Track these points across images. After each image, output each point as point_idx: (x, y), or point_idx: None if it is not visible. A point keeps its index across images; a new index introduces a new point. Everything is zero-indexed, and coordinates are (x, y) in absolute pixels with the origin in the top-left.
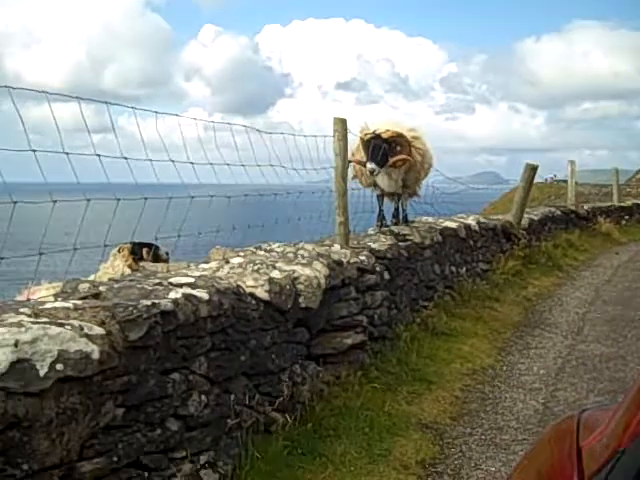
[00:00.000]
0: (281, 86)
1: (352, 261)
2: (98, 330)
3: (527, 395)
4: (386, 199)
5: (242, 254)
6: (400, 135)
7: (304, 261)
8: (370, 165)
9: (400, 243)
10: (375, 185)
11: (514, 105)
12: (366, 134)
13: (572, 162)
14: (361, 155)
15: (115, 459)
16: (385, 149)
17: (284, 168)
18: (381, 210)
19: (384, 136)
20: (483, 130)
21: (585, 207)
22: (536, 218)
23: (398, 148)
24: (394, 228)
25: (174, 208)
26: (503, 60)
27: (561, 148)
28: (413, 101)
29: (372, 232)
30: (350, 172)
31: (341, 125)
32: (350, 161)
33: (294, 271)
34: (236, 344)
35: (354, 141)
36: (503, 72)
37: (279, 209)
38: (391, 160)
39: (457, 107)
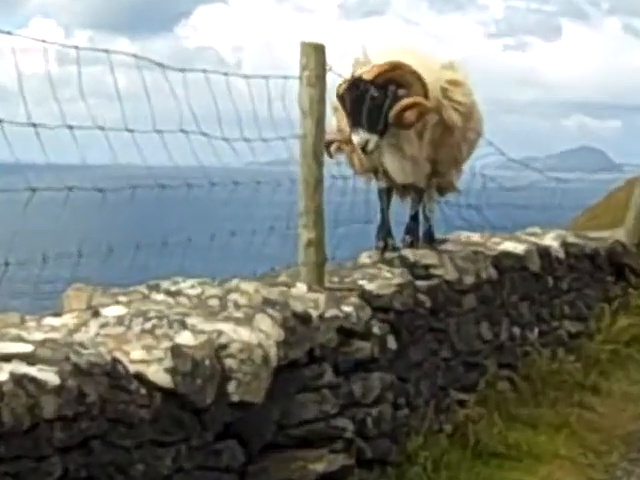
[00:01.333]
0: None
1: (329, 315)
2: None
3: None
4: (395, 196)
5: (124, 299)
6: (397, 67)
7: (239, 314)
8: (358, 136)
9: (419, 282)
10: (377, 172)
11: (631, 23)
12: (341, 84)
13: None
14: (345, 123)
15: None
16: (378, 100)
17: (205, 136)
18: (385, 219)
19: (367, 77)
20: (575, 70)
21: None
22: None
23: (400, 92)
24: (408, 253)
25: None
26: None
27: None
28: (448, 13)
29: (368, 260)
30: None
31: (315, 56)
32: (330, 142)
33: (220, 333)
34: (108, 471)
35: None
36: None
37: (196, 213)
38: (392, 112)
39: (527, 25)
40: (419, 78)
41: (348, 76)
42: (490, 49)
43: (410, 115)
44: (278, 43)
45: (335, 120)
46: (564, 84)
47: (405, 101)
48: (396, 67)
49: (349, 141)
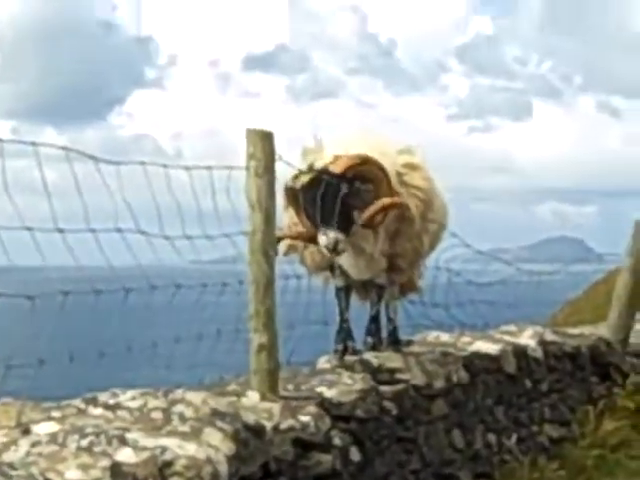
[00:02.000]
0: (137, 63)
1: (284, 426)
2: None
3: None
4: (355, 296)
5: (57, 414)
6: (366, 161)
7: (185, 428)
8: (325, 237)
9: (383, 388)
10: (332, 269)
11: (606, 101)
12: (297, 175)
13: None
14: (292, 218)
15: None
16: (343, 196)
17: (143, 235)
18: (345, 320)
19: (336, 170)
20: (547, 152)
21: None
22: None
23: (367, 188)
24: (371, 356)
25: None
26: (580, 2)
27: None
28: (406, 94)
29: (326, 365)
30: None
31: (262, 145)
32: (280, 238)
33: (164, 449)
34: None
35: (286, 178)
36: (581, 29)
37: (136, 318)
38: (365, 214)
39: (493, 105)
40: (386, 173)
41: (301, 166)
42: (454, 132)
43: (379, 216)
44: (221, 130)
45: (286, 216)
46: (536, 168)
47: (382, 202)
48: (365, 161)
49: (303, 238)
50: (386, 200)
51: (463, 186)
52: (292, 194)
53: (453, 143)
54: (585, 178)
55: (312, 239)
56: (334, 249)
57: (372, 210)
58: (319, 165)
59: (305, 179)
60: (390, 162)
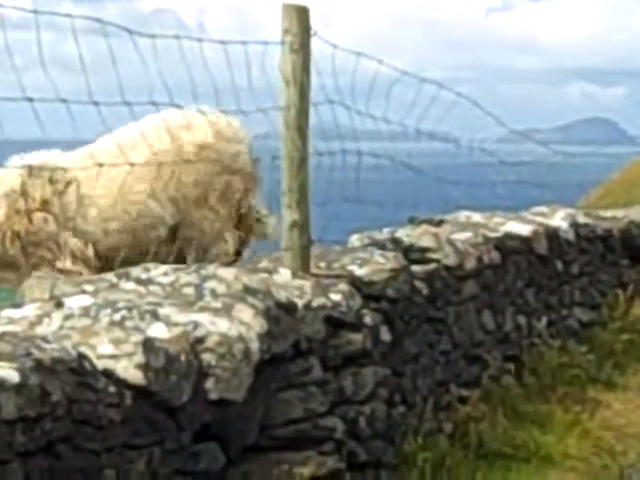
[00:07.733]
0: None
1: (316, 304)
2: None
3: None
4: None
5: (90, 288)
6: None
7: (217, 304)
8: None
9: (415, 267)
10: None
11: None
12: None
13: None
14: None
15: None
16: None
17: (177, 107)
18: None
19: None
20: (572, 33)
21: None
22: None
23: None
24: (403, 235)
25: None
26: None
27: None
28: None
29: (358, 243)
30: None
31: (298, 20)
32: None
33: (196, 325)
34: (74, 477)
35: (323, 56)
36: None
37: None
38: None
39: None
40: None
41: None
42: (472, 11)
43: None
44: (242, 5)
45: None
46: (560, 49)
47: None
48: None
49: None
50: None
51: (487, 65)
52: None
53: (473, 22)
54: (613, 59)
55: None
56: None
57: None
58: None
59: None
60: None
